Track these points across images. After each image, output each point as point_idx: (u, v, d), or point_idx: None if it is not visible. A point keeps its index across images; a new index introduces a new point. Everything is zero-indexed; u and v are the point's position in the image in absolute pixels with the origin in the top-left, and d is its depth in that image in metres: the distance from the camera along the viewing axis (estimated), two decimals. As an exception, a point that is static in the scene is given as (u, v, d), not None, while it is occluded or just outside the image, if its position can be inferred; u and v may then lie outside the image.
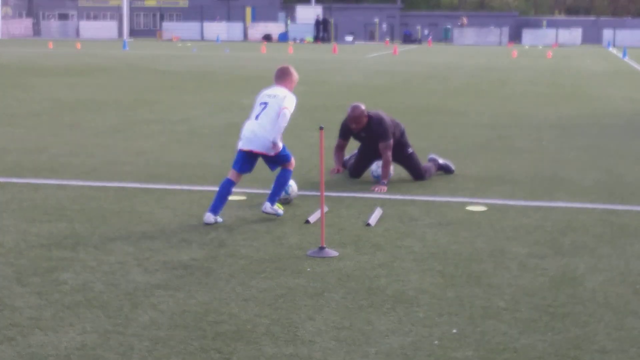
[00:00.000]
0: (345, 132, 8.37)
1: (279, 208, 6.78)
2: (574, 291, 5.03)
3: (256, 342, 4.19)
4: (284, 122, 6.63)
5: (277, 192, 6.81)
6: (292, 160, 6.90)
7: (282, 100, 6.71)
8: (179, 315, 4.53)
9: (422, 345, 4.17)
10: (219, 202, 6.60)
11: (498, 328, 4.41)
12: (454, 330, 4.37)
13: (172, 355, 4.02)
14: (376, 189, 7.86)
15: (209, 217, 6.53)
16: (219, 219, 6.56)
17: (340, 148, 8.42)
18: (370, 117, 8.14)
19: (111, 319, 4.46)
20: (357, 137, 8.37)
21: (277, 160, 6.82)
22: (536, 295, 4.95)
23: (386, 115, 8.32)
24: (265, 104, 6.76)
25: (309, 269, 5.39)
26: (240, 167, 6.79)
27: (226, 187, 6.68)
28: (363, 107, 8.15)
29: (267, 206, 6.73)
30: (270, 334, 4.30)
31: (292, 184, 7.29)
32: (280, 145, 6.72)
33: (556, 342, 4.23)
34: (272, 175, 8.63)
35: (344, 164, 8.58)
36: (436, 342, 4.22)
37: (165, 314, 4.55)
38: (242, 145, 6.78)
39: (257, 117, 6.74)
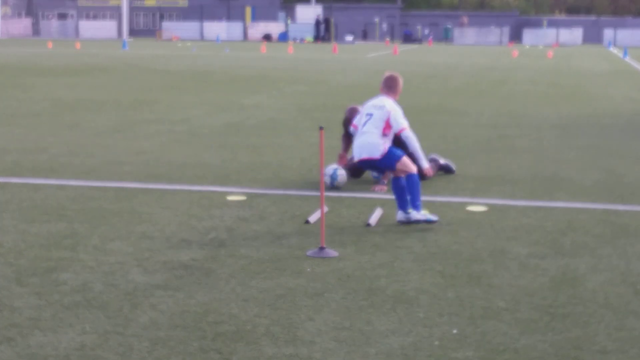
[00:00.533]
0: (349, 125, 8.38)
1: (428, 214, 6.55)
2: (574, 291, 5.02)
3: (256, 342, 4.18)
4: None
5: (415, 197, 6.57)
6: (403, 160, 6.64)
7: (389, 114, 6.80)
8: (179, 316, 4.52)
9: (423, 346, 4.16)
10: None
11: (498, 328, 4.41)
12: (454, 331, 4.36)
13: (171, 355, 4.01)
14: (376, 188, 7.86)
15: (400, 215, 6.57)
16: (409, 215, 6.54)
17: (346, 137, 8.45)
18: None
19: (111, 320, 4.45)
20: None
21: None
22: (536, 295, 4.94)
23: None
24: (371, 114, 6.85)
25: (309, 269, 5.39)
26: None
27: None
28: (360, 108, 8.11)
29: (414, 214, 6.49)
30: (270, 334, 4.29)
31: (341, 173, 7.85)
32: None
33: (556, 343, 4.22)
34: (272, 175, 8.64)
35: (348, 166, 8.56)
36: (436, 342, 4.21)
37: (164, 314, 4.54)
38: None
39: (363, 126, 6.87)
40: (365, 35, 70.32)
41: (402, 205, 6.54)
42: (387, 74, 7.24)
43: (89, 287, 4.97)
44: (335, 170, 7.88)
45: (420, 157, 6.78)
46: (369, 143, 6.74)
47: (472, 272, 5.39)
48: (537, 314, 4.63)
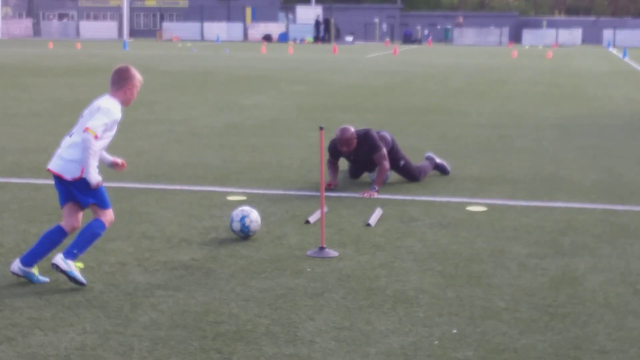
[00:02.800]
0: (335, 154, 8.10)
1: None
2: (574, 291, 5.03)
3: (256, 342, 4.19)
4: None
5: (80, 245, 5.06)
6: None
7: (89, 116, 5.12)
8: (179, 316, 4.53)
9: (422, 345, 4.17)
10: None
11: (498, 328, 4.41)
12: (454, 331, 4.37)
13: (172, 355, 4.02)
14: (366, 194, 7.67)
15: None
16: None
17: (332, 164, 8.08)
18: (358, 139, 7.92)
19: (111, 319, 4.46)
20: (347, 159, 8.23)
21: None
22: (536, 295, 4.95)
23: (373, 131, 8.12)
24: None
25: (309, 269, 5.39)
26: None
27: None
28: (352, 129, 7.93)
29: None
30: (270, 334, 4.30)
31: (253, 219, 6.08)
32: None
33: (556, 342, 4.23)
34: (272, 175, 8.64)
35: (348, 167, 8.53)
36: (436, 342, 4.22)
37: (165, 314, 4.55)
38: None
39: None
40: (365, 36, 70.38)
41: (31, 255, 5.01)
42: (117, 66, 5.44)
43: (90, 287, 4.98)
44: (243, 217, 6.00)
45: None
46: (71, 154, 5.05)
47: (472, 272, 5.40)
48: (537, 313, 4.64)
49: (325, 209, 6.76)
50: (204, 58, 34.91)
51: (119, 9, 70.40)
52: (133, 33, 71.35)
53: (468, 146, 10.97)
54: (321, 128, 5.88)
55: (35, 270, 5.07)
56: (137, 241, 6.01)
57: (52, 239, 5.09)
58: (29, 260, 5.03)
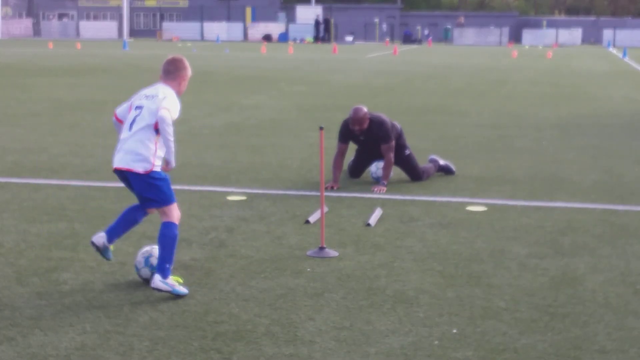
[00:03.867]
0: (345, 135, 8.15)
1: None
2: (574, 291, 5.03)
3: (256, 342, 4.19)
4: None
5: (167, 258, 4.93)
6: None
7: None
8: (179, 315, 4.53)
9: (422, 345, 4.17)
10: None
11: (498, 328, 4.42)
12: (454, 330, 4.37)
13: (172, 355, 4.02)
14: (376, 189, 7.86)
15: None
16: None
17: (341, 154, 8.06)
18: (371, 120, 8.11)
19: (111, 319, 4.46)
20: (355, 141, 8.31)
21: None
22: (536, 295, 4.95)
23: (386, 118, 8.31)
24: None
25: (309, 269, 5.40)
26: None
27: None
28: (365, 109, 8.10)
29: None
30: (270, 334, 4.30)
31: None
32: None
33: (556, 342, 4.23)
34: (272, 175, 8.65)
35: (348, 166, 8.58)
36: (436, 342, 4.22)
37: (165, 314, 4.55)
38: None
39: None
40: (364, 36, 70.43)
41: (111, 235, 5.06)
42: (168, 57, 5.29)
43: (90, 287, 4.98)
44: (147, 259, 5.10)
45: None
46: (137, 151, 5.01)
47: (472, 272, 5.40)
48: (537, 313, 4.64)
49: (325, 209, 6.76)
50: (204, 58, 34.92)
51: (119, 8, 70.42)
52: (133, 33, 71.36)
53: (468, 146, 10.97)
54: (321, 128, 5.88)
55: (112, 247, 5.13)
56: (137, 241, 6.01)
57: (132, 217, 5.13)
58: (111, 237, 5.04)
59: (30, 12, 74.92)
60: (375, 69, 28.47)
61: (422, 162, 8.68)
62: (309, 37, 64.73)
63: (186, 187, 7.96)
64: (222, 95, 17.92)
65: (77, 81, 21.21)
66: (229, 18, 71.83)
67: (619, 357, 4.08)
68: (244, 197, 7.51)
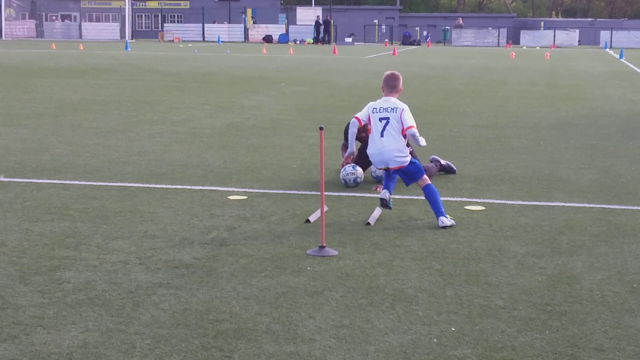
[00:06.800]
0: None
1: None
2: (571, 290, 5.08)
3: (257, 340, 4.23)
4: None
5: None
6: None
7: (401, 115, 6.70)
8: (181, 314, 4.57)
9: (421, 344, 4.21)
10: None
11: (496, 326, 4.46)
12: (453, 329, 4.41)
13: (173, 353, 4.06)
14: (379, 188, 7.88)
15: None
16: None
17: (345, 147, 8.36)
18: None
19: (113, 318, 4.50)
20: (359, 138, 8.37)
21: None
22: (534, 293, 4.99)
23: None
24: (387, 119, 6.70)
25: (309, 268, 5.44)
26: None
27: None
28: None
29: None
30: (270, 332, 4.34)
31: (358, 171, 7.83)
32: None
33: (554, 341, 4.27)
34: (273, 175, 8.69)
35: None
36: (435, 340, 4.26)
37: (166, 313, 4.59)
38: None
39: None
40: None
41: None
42: (387, 73, 7.01)
43: (92, 285, 5.03)
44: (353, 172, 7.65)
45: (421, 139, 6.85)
46: (398, 150, 6.68)
47: (470, 270, 5.44)
48: (535, 312, 4.68)
49: (325, 208, 6.80)
50: (205, 59, 34.94)
51: (121, 10, 70.35)
52: (135, 34, 71.31)
53: (466, 146, 11.01)
54: (321, 128, 5.92)
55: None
56: (139, 240, 6.06)
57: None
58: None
59: (33, 13, 74.82)
60: (375, 69, 28.48)
61: (423, 163, 8.71)
62: (309, 39, 64.70)
63: (187, 187, 8.00)
64: (223, 96, 17.95)
65: (80, 82, 21.24)
66: (230, 20, 71.77)
67: (616, 355, 4.12)
68: (244, 197, 7.56)
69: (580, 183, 8.51)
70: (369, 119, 6.82)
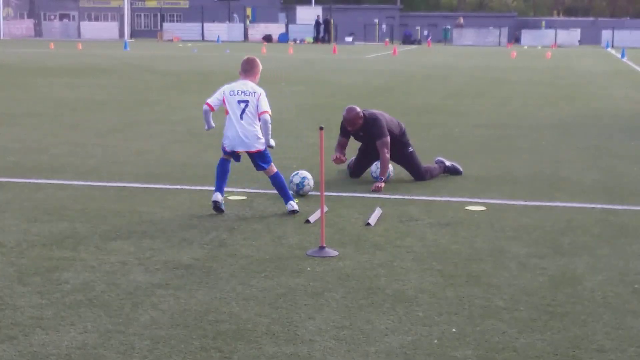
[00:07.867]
0: (344, 131, 8.44)
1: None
2: (573, 291, 5.05)
3: (256, 341, 4.21)
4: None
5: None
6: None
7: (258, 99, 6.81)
8: (180, 315, 4.55)
9: (422, 345, 4.19)
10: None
11: (497, 327, 4.43)
12: (454, 330, 4.39)
13: (172, 354, 4.04)
14: (373, 187, 7.89)
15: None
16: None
17: (341, 145, 8.43)
18: (365, 118, 8.20)
19: (112, 318, 4.48)
20: (356, 137, 8.43)
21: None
22: (535, 294, 4.97)
23: (384, 115, 8.37)
24: (246, 102, 6.83)
25: (309, 269, 5.41)
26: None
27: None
28: (358, 109, 8.24)
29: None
30: (270, 333, 4.32)
31: (308, 183, 7.56)
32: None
33: (555, 341, 4.25)
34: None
35: (348, 166, 8.68)
36: (436, 341, 4.24)
37: (166, 313, 4.57)
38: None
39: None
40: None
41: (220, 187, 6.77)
42: (244, 57, 7.06)
43: (91, 286, 5.00)
44: (303, 179, 7.58)
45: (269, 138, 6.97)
46: (252, 134, 6.82)
47: (472, 271, 5.42)
48: (536, 313, 4.66)
49: (325, 209, 6.78)
50: (205, 58, 34.94)
51: (119, 9, 70.40)
52: (134, 33, 71.34)
53: (468, 146, 10.99)
54: (321, 128, 5.90)
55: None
56: (138, 240, 6.04)
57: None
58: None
59: (32, 12, 74.86)
60: (375, 69, 28.48)
61: (425, 163, 8.68)
62: (309, 38, 64.72)
63: (187, 187, 7.98)
64: (222, 96, 17.91)
65: (78, 81, 21.23)
66: (229, 19, 71.80)
67: (618, 356, 4.10)
68: (244, 197, 7.54)
69: (583, 183, 8.48)
70: (224, 102, 6.80)
